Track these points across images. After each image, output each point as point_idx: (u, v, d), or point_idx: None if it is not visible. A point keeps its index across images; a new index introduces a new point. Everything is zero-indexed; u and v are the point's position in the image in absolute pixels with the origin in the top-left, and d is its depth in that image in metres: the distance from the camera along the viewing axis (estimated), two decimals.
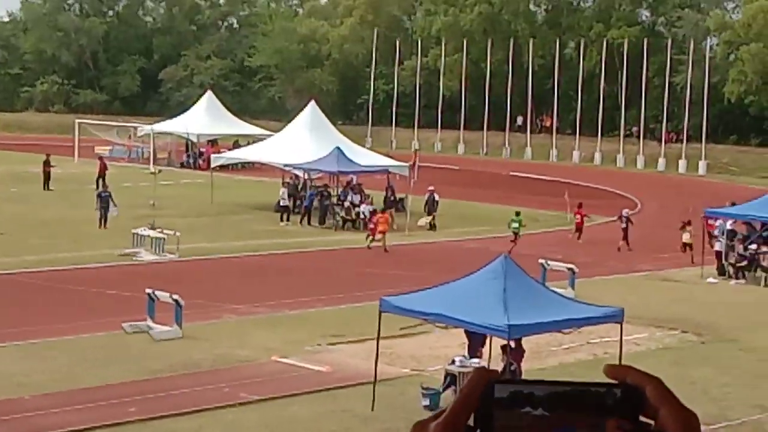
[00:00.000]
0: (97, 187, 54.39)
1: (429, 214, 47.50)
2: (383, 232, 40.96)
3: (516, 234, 42.08)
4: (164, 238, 37.83)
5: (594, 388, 1.51)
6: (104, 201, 43.92)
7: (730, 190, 56.94)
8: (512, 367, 20.75)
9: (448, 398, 21.61)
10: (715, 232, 38.53)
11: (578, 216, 44.91)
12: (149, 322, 26.74)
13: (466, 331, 22.04)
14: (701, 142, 76.07)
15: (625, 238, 42.63)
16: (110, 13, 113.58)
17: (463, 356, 22.56)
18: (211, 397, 21.66)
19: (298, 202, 49.11)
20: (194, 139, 69.78)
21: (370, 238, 41.30)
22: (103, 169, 55.95)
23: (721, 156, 77.45)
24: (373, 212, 43.66)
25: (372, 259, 39.12)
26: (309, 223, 46.98)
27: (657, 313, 30.50)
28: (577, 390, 1.50)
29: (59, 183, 56.21)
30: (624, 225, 43.06)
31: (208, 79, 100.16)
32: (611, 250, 42.33)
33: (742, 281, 36.69)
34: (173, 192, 53.65)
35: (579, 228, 44.55)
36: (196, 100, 76.09)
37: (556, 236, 45.57)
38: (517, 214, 43.05)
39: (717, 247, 38.15)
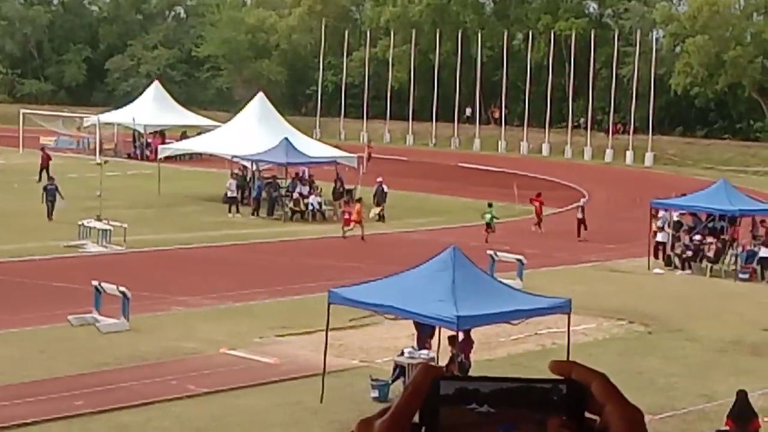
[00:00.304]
0: (41, 179, 53.93)
1: (378, 205, 47.50)
2: (358, 221, 41.44)
3: (489, 225, 42.46)
4: (111, 230, 37.52)
5: (539, 384, 1.50)
6: (50, 193, 43.42)
7: (677, 181, 57.47)
8: (460, 359, 20.80)
9: (397, 389, 21.63)
10: (658, 224, 38.80)
11: (536, 204, 45.11)
12: (95, 315, 26.49)
13: (415, 323, 22.05)
14: (648, 133, 76.70)
15: (579, 226, 43.14)
16: (55, 1, 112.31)
17: (412, 347, 22.58)
18: (159, 390, 21.51)
19: (246, 193, 48.90)
20: (141, 130, 69.24)
21: (345, 227, 41.69)
22: (46, 160, 55.41)
23: (668, 147, 78.15)
24: (347, 203, 44.11)
25: (320, 251, 39.05)
26: (257, 214, 46.80)
27: (604, 303, 30.72)
28: (522, 386, 1.49)
29: (3, 174, 55.60)
30: (579, 215, 43.54)
31: (155, 69, 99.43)
32: (559, 241, 42.58)
33: (688, 272, 37.03)
34: (120, 183, 53.19)
35: (538, 216, 44.83)
36: (143, 91, 75.50)
37: (505, 227, 45.69)
38: (490, 205, 43.37)
39: (659, 238, 38.44)
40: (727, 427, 17.92)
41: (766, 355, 26.13)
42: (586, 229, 43.22)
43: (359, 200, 44.07)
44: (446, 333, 21.40)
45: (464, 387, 1.46)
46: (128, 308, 26.19)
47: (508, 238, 42.00)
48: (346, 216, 42.61)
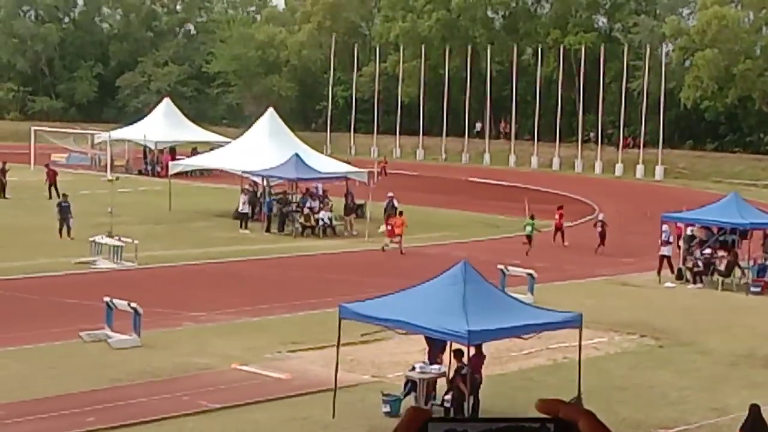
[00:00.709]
0: (51, 195, 54.14)
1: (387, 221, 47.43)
2: (400, 235, 41.88)
3: (529, 237, 42.85)
4: (122, 246, 37.58)
5: (528, 423, 1.52)
6: (64, 211, 43.09)
7: (687, 195, 57.40)
8: (467, 371, 20.75)
9: (408, 404, 21.63)
10: (662, 238, 38.71)
11: (558, 217, 45.36)
12: (107, 331, 26.54)
13: (426, 338, 22.05)
14: (658, 147, 76.66)
15: (602, 242, 43.37)
16: (66, 19, 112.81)
17: (424, 362, 22.56)
18: (171, 405, 21.53)
19: (257, 209, 48.98)
20: (152, 146, 69.43)
21: (388, 240, 42.11)
22: (53, 176, 55.59)
23: (678, 161, 78.08)
24: (392, 215, 44.09)
25: (331, 266, 39.09)
26: (269, 230, 46.88)
27: (615, 317, 30.68)
28: (511, 426, 1.51)
29: (15, 191, 55.75)
30: (600, 229, 43.57)
31: (166, 86, 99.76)
32: (569, 255, 42.56)
33: (700, 285, 36.96)
34: (131, 199, 53.35)
35: (559, 229, 45.01)
36: (154, 107, 75.74)
37: (516, 242, 45.67)
38: (532, 217, 43.64)
39: (663, 251, 38.34)
40: None
41: None
42: (603, 244, 43.17)
43: (401, 213, 44.21)
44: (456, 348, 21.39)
45: (453, 429, 1.48)
46: (140, 324, 26.23)
47: (519, 252, 41.98)
48: (389, 228, 42.87)
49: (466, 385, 20.63)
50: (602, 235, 43.48)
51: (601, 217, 44.79)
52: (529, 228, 43.15)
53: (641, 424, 20.88)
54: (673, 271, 37.86)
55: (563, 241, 44.68)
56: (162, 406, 21.50)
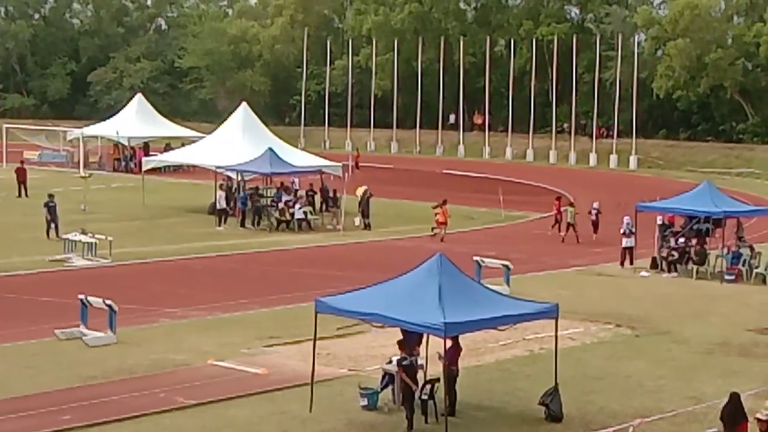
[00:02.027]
0: (19, 194, 53.97)
1: (363, 214, 47.44)
2: (444, 224, 43.39)
3: (570, 224, 43.92)
4: (96, 243, 37.42)
5: None
6: (51, 211, 41.79)
7: (661, 184, 57.63)
8: (406, 362, 20.73)
9: (386, 398, 21.62)
10: (622, 229, 38.81)
11: (555, 209, 46.02)
12: (82, 329, 26.42)
13: (402, 330, 22.02)
14: (631, 137, 76.93)
15: (596, 230, 43.82)
16: (36, 16, 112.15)
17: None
18: (148, 402, 21.44)
19: (232, 204, 48.83)
20: (125, 143, 69.14)
21: (435, 228, 43.81)
22: (23, 174, 55.26)
23: (651, 150, 78.41)
24: (439, 204, 45.08)
25: (307, 260, 39.05)
26: (243, 224, 46.75)
27: (591, 307, 30.78)
28: None
29: None
30: (594, 218, 43.78)
31: (138, 82, 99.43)
32: (545, 246, 42.68)
33: (674, 274, 37.11)
34: (104, 196, 53.11)
35: (557, 220, 45.45)
36: (126, 103, 75.40)
37: (490, 233, 45.78)
38: (571, 205, 44.94)
39: (624, 243, 38.42)
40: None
41: (753, 356, 26.20)
42: (596, 232, 43.76)
43: (445, 202, 44.71)
44: (434, 340, 21.38)
45: None
46: (115, 321, 26.12)
47: (494, 244, 42.08)
48: (437, 218, 44.17)
49: (409, 377, 20.63)
50: (595, 224, 43.80)
51: (595, 205, 44.87)
52: (570, 214, 44.22)
53: (618, 413, 20.94)
54: (632, 263, 37.91)
55: (559, 231, 44.86)
56: (138, 403, 21.40)
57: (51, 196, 42.74)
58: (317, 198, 50.50)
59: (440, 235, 43.48)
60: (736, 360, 25.73)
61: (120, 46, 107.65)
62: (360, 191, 47.79)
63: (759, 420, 17.11)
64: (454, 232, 45.71)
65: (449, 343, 20.85)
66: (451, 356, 21.09)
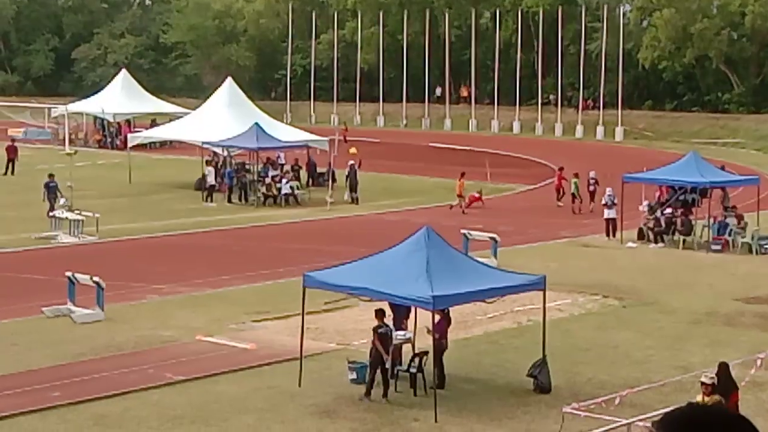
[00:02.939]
0: (6, 171, 53.83)
1: (351, 188, 47.42)
2: (459, 195, 44.73)
3: (574, 195, 44.30)
4: (83, 220, 37.32)
5: None
6: (52, 191, 41.32)
7: (647, 155, 57.68)
8: (382, 330, 20.84)
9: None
10: (603, 201, 38.89)
11: (557, 179, 46.30)
12: (70, 306, 26.38)
13: (390, 304, 22.06)
14: (617, 108, 76.90)
15: (592, 199, 43.74)
16: None
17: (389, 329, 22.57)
18: (136, 379, 21.45)
19: (219, 179, 48.74)
20: (110, 119, 68.87)
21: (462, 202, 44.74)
22: (14, 152, 55.08)
23: (637, 121, 78.40)
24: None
25: (294, 235, 39.02)
26: (230, 200, 46.68)
27: (579, 278, 30.84)
28: None
29: None
30: (592, 188, 43.79)
31: (123, 58, 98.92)
32: (532, 218, 42.72)
33: (661, 245, 37.20)
34: (90, 173, 52.92)
35: (562, 192, 45.69)
36: (111, 79, 75.06)
37: (477, 205, 45.73)
38: (576, 176, 44.94)
39: (606, 214, 38.48)
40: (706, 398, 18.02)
41: (739, 325, 26.32)
42: (593, 201, 43.56)
43: (463, 174, 45.44)
44: (422, 313, 21.42)
45: None
46: (103, 298, 26.09)
47: (481, 216, 42.11)
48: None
49: (383, 345, 20.69)
50: (592, 194, 43.71)
51: (592, 175, 44.82)
52: (574, 186, 44.38)
53: (606, 383, 21.03)
54: (615, 235, 37.99)
55: (558, 199, 45.18)
56: (127, 379, 21.41)
57: (51, 176, 42.30)
58: (303, 173, 50.43)
59: (458, 207, 44.15)
60: (723, 329, 25.84)
61: (104, 22, 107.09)
62: (352, 150, 47.86)
63: (703, 384, 17.16)
64: (441, 205, 45.72)
65: (437, 316, 20.91)
66: (441, 329, 21.15)
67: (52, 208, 40.09)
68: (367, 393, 20.38)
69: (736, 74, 79.75)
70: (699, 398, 16.61)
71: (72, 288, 26.53)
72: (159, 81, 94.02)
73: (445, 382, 20.88)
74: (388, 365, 20.67)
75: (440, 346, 21.02)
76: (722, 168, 46.09)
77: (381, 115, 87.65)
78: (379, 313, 21.17)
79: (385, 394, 20.46)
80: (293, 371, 21.25)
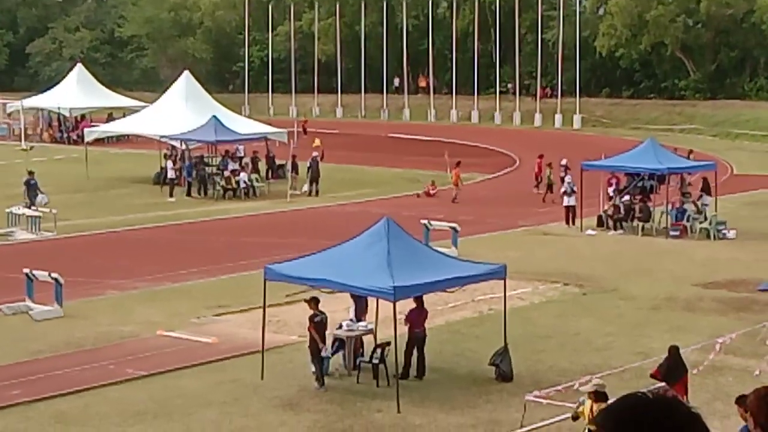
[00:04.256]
0: None
1: (312, 180, 47.30)
2: (456, 185, 44.84)
3: (549, 184, 44.51)
4: (40, 216, 37.01)
5: None
6: (32, 189, 40.81)
7: (605, 143, 57.97)
8: (317, 318, 20.98)
9: (337, 363, 21.64)
10: (562, 189, 39.05)
11: (537, 167, 46.61)
12: (28, 303, 26.16)
13: (351, 295, 22.06)
14: (575, 96, 77.23)
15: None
16: None
17: (350, 320, 22.58)
18: (97, 375, 21.31)
19: (177, 173, 48.46)
20: (66, 114, 68.31)
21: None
22: None
23: (595, 109, 78.78)
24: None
25: (254, 228, 38.90)
26: (189, 194, 46.45)
27: (539, 267, 30.95)
28: None
29: None
30: (563, 174, 43.67)
31: (78, 52, 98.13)
32: (492, 208, 42.83)
33: (621, 232, 37.40)
34: (47, 168, 52.46)
35: (540, 179, 45.96)
36: (67, 74, 74.45)
37: (437, 195, 45.79)
38: (549, 165, 45.20)
39: (566, 202, 38.65)
40: (663, 383, 18.18)
41: (698, 310, 26.52)
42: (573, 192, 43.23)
43: (458, 164, 45.53)
44: (383, 304, 21.42)
45: None
46: (61, 295, 25.89)
47: (441, 206, 42.15)
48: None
49: (318, 334, 20.76)
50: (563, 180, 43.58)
51: (563, 162, 44.75)
52: (548, 176, 44.84)
53: (567, 371, 21.12)
54: (574, 222, 38.13)
55: (538, 189, 45.38)
56: (87, 376, 21.27)
57: (31, 173, 41.71)
58: (261, 165, 50.29)
59: (453, 195, 44.26)
60: (682, 315, 26.04)
61: (58, 16, 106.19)
62: (317, 142, 47.39)
63: (589, 393, 16.28)
64: (400, 196, 45.73)
65: (413, 305, 20.99)
66: (415, 319, 21.18)
67: (32, 205, 39.58)
68: (319, 381, 20.47)
69: (692, 61, 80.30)
70: (586, 405, 16.05)
71: (30, 285, 26.31)
72: (115, 75, 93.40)
73: (426, 371, 21.03)
74: (323, 354, 20.74)
75: (417, 336, 21.08)
76: (690, 153, 46.59)
77: (339, 107, 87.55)
78: (313, 302, 21.23)
79: (322, 381, 20.56)
80: (255, 364, 21.20)
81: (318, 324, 20.91)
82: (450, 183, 45.90)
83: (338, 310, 23.36)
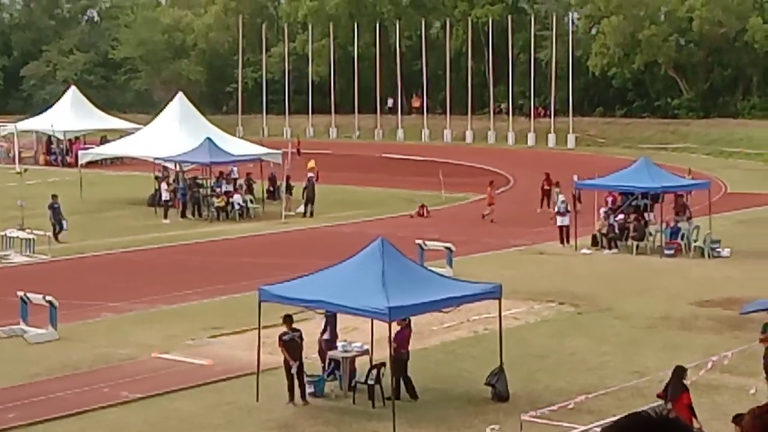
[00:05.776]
0: None
1: (307, 201, 47.29)
2: (489, 204, 44.64)
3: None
4: (34, 239, 36.96)
5: None
6: (57, 213, 40.60)
7: (598, 162, 58.04)
8: (286, 337, 21.13)
9: (333, 384, 21.61)
10: (556, 208, 39.04)
11: (544, 185, 46.52)
12: (23, 326, 26.11)
13: (324, 313, 22.21)
14: (568, 115, 77.37)
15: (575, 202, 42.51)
16: None
17: (346, 341, 22.57)
18: (92, 398, 21.26)
19: (171, 195, 48.45)
20: (60, 136, 68.33)
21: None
22: None
23: (588, 128, 78.92)
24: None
25: (248, 249, 38.88)
26: (184, 215, 46.44)
27: (534, 286, 30.95)
28: None
29: None
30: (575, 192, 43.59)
31: (72, 75, 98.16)
32: (487, 227, 42.83)
33: (615, 251, 37.42)
34: (41, 191, 52.36)
35: (544, 196, 45.91)
36: (61, 96, 74.48)
37: (431, 215, 45.80)
38: (557, 184, 44.94)
39: (560, 222, 38.65)
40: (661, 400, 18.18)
41: (694, 329, 26.53)
42: (580, 202, 41.50)
43: (491, 183, 45.57)
44: (378, 324, 21.39)
45: None
46: (56, 317, 25.84)
47: (436, 226, 42.16)
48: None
49: (289, 352, 20.80)
50: (575, 197, 43.02)
51: (575, 178, 44.50)
52: (556, 195, 44.01)
53: (563, 390, 21.11)
54: (569, 242, 38.11)
55: (549, 207, 44.88)
56: (82, 399, 21.22)
57: (54, 197, 41.50)
58: (256, 186, 50.32)
59: (489, 216, 44.03)
60: (678, 333, 26.04)
61: (52, 39, 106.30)
62: (311, 164, 48.12)
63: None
64: (395, 216, 45.75)
65: (397, 326, 20.92)
66: (400, 339, 21.15)
67: (59, 229, 39.57)
68: (290, 398, 20.59)
69: (684, 80, 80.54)
70: None
71: (24, 308, 26.26)
72: (109, 97, 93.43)
73: (415, 391, 20.98)
74: (293, 371, 20.79)
75: (401, 356, 21.02)
76: (689, 171, 46.72)
77: (333, 127, 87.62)
78: (287, 320, 21.30)
79: (295, 397, 20.56)
80: (251, 386, 21.16)
81: (288, 342, 21.02)
82: (443, 202, 45.92)
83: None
